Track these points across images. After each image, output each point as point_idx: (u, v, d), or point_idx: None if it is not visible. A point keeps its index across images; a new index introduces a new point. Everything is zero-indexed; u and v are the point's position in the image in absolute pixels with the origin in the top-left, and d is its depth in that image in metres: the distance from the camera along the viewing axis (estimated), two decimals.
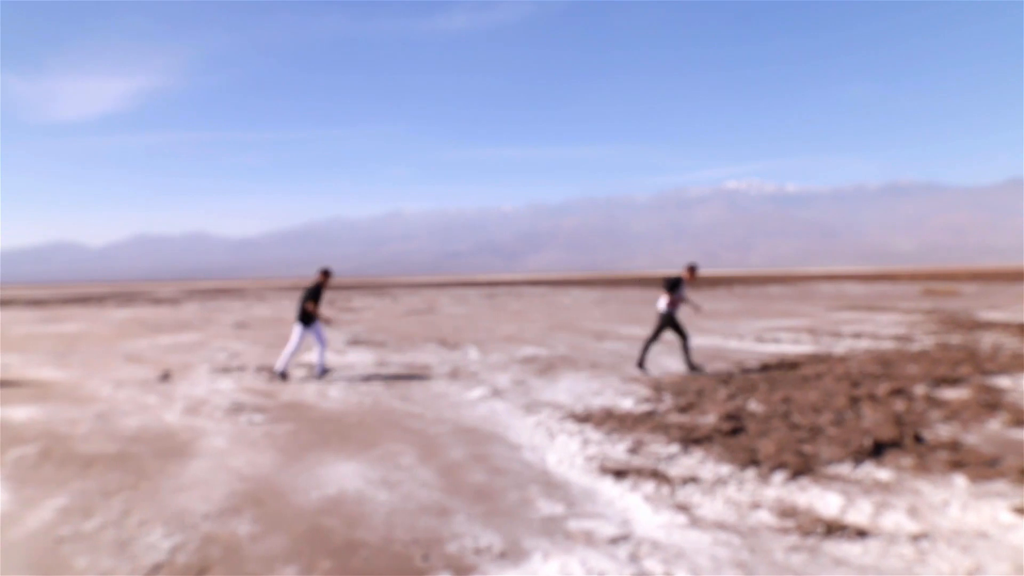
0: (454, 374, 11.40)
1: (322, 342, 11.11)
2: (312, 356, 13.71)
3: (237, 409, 8.74)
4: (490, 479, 5.73)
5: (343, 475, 5.89)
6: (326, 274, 11.36)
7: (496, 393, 9.64)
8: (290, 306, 36.16)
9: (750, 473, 5.66)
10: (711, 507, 4.95)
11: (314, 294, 10.95)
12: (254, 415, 8.39)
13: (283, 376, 10.92)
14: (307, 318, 10.90)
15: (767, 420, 7.47)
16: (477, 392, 9.70)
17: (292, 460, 6.39)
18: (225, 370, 12.17)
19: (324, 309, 32.21)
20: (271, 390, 10.18)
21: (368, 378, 11.13)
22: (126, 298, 54.90)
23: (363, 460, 6.35)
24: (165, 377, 11.45)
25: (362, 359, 13.47)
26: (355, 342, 16.83)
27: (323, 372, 11.21)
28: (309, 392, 9.98)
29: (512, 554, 4.24)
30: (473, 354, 13.99)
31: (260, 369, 12.17)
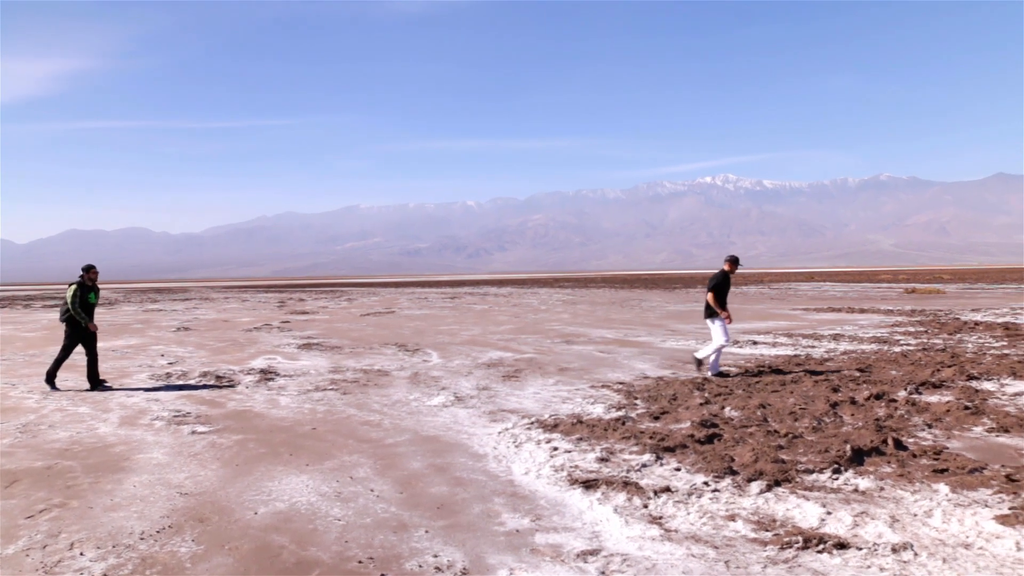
0: (414, 380, 11.35)
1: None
2: (257, 363, 13.56)
3: (179, 419, 8.60)
4: (452, 491, 5.71)
5: (294, 489, 5.82)
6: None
7: (459, 400, 9.62)
8: (238, 308, 35.72)
9: (726, 482, 5.72)
10: (685, 519, 4.98)
11: None
12: (197, 425, 8.26)
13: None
14: None
15: (743, 427, 7.55)
16: (438, 399, 9.67)
17: (239, 473, 6.30)
18: (166, 377, 11.97)
19: (275, 311, 31.86)
20: (216, 398, 10.03)
21: (322, 385, 11.03)
22: (55, 299, 53.75)
23: (316, 472, 6.29)
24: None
25: (315, 364, 13.35)
26: (308, 346, 16.69)
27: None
28: (258, 400, 9.86)
29: (475, 571, 4.22)
30: (434, 358, 13.95)
31: (205, 376, 11.99)
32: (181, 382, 11.45)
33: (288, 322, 25.01)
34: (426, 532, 4.83)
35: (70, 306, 10.87)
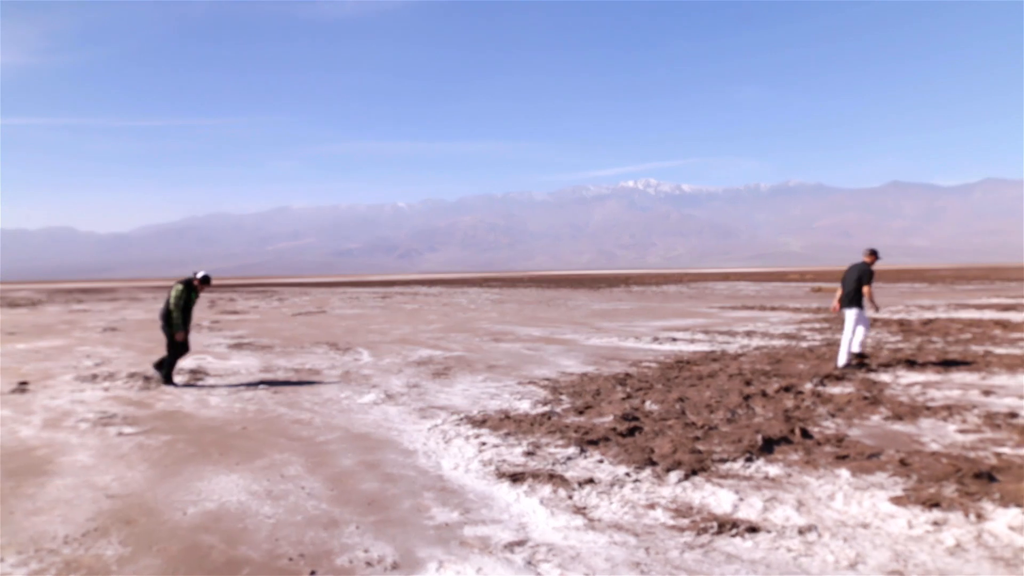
0: (345, 378, 11.20)
1: None
2: (187, 363, 13.19)
3: (105, 421, 8.28)
4: (382, 487, 5.66)
5: (224, 488, 5.68)
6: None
7: (389, 397, 9.54)
8: None
9: (646, 473, 5.83)
10: (608, 508, 5.06)
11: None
12: (124, 427, 7.97)
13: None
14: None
15: (663, 419, 7.71)
16: (369, 397, 9.57)
17: (167, 474, 6.11)
18: (92, 378, 11.50)
19: (205, 311, 31.01)
20: (144, 399, 9.70)
21: (252, 384, 10.78)
22: None
23: (246, 471, 6.15)
24: (21, 388, 10.70)
25: (246, 364, 13.04)
26: (238, 346, 16.30)
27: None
28: (187, 400, 9.57)
29: (405, 565, 4.20)
30: (365, 357, 13.80)
31: (133, 376, 11.58)
32: (108, 383, 11.03)
33: (218, 322, 24.36)
34: (357, 528, 4.78)
35: (172, 306, 10.46)
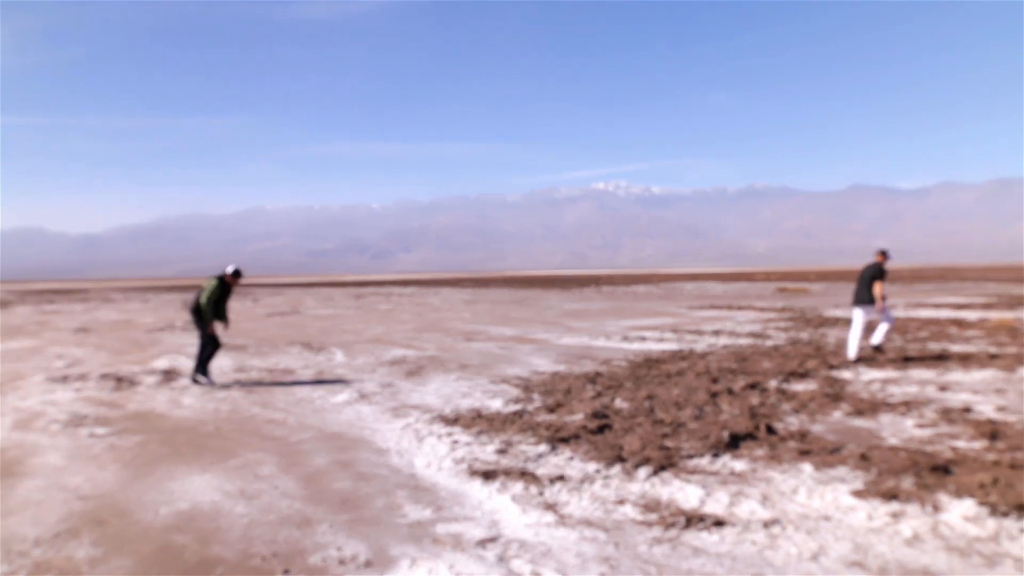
0: (319, 378, 11.12)
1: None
2: (160, 363, 13.02)
3: (76, 422, 8.14)
4: (356, 486, 5.63)
5: (197, 488, 5.61)
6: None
7: (363, 397, 9.49)
8: (141, 308, 34.10)
9: (616, 469, 5.86)
10: (578, 505, 5.08)
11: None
12: (96, 427, 7.85)
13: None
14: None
15: (632, 417, 7.76)
16: (343, 396, 9.51)
17: (139, 475, 6.02)
18: (63, 379, 11.30)
19: (179, 312, 30.61)
20: (117, 400, 9.55)
21: (226, 384, 10.66)
22: None
23: (219, 471, 6.08)
24: None
25: (219, 364, 12.87)
26: None
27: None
28: (160, 401, 9.44)
29: (378, 563, 4.18)
30: (339, 357, 13.71)
31: (105, 377, 11.39)
32: (79, 384, 10.84)
33: (192, 322, 24.04)
34: (330, 526, 4.75)
35: (203, 300, 10.36)
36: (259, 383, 10.77)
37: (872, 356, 11.95)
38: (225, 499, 5.34)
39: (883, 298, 11.38)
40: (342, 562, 4.20)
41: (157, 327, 22.44)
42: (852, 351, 11.67)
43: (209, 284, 10.54)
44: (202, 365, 10.59)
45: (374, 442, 7.06)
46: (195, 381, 10.59)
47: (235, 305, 36.80)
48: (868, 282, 11.58)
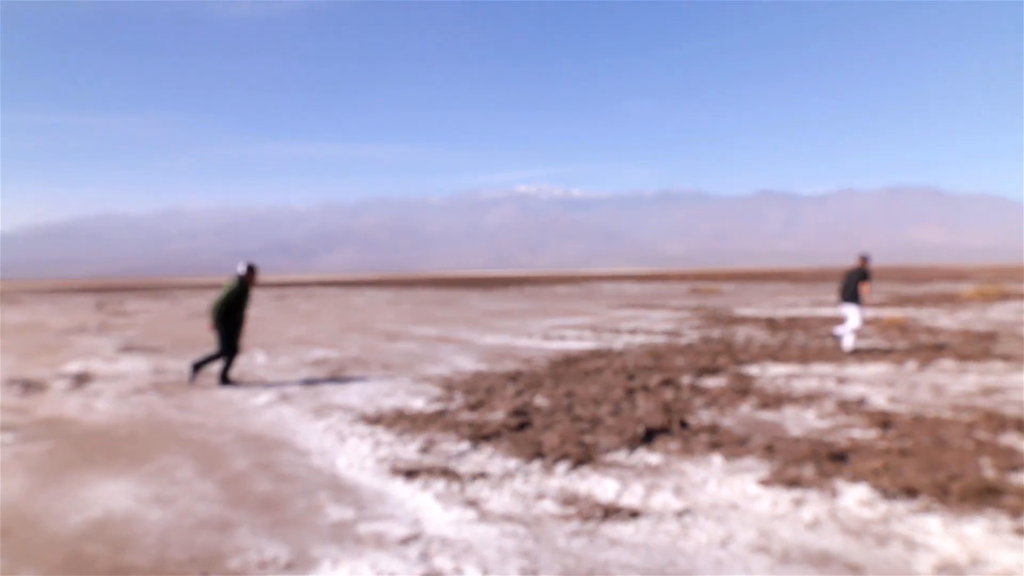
0: (239, 380, 10.79)
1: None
2: (71, 367, 12.40)
3: None
4: (276, 487, 5.49)
5: (110, 495, 5.36)
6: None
7: (284, 398, 9.26)
8: (51, 310, 32.39)
9: (536, 465, 5.90)
10: (499, 501, 5.09)
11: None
12: (2, 434, 7.41)
13: None
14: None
15: (552, 414, 7.82)
16: (264, 398, 9.26)
17: (48, 483, 5.71)
18: None
19: (92, 313, 29.25)
20: (24, 405, 9.03)
21: (142, 388, 10.22)
22: None
23: (134, 477, 5.83)
24: None
25: (135, 367, 12.36)
26: (128, 348, 15.43)
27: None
28: (71, 406, 8.98)
29: (299, 564, 4.09)
30: (260, 358, 13.35)
31: (11, 382, 10.76)
32: None
33: (107, 324, 23.01)
34: (250, 529, 4.62)
35: (219, 300, 9.91)
36: (177, 386, 10.38)
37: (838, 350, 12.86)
38: (140, 505, 5.12)
39: (869, 294, 12.55)
40: (262, 565, 4.08)
41: (69, 329, 21.35)
42: (848, 343, 12.59)
43: (228, 284, 10.13)
44: (224, 371, 10.25)
45: (296, 443, 6.90)
46: (227, 382, 10.28)
47: (153, 306, 35.40)
48: (854, 283, 12.56)
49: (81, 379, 11.04)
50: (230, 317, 10.10)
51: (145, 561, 4.15)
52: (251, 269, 10.39)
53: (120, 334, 19.32)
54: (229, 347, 10.14)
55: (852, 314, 12.55)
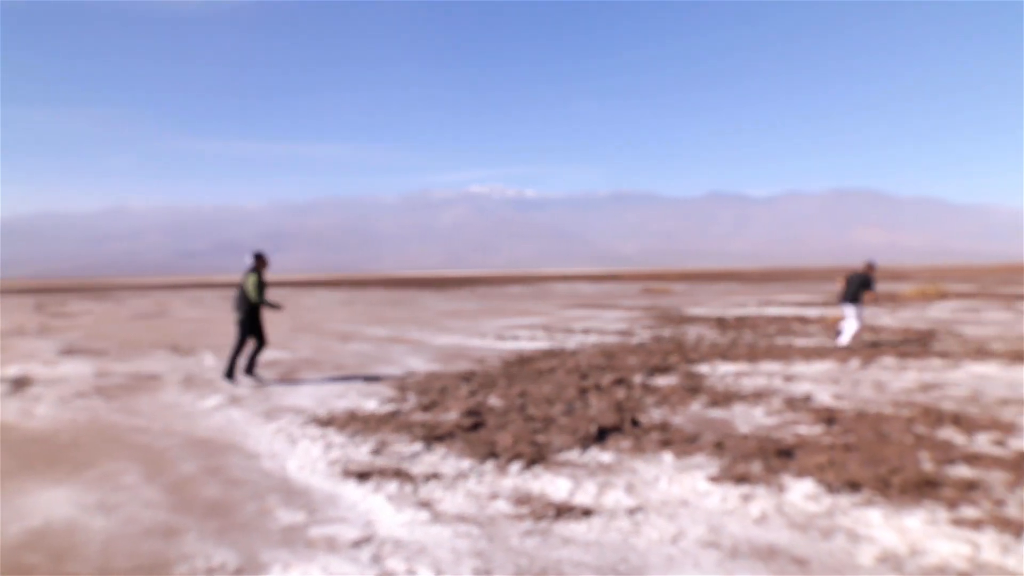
0: (187, 382, 10.56)
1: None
2: (9, 371, 11.96)
3: None
4: (225, 492, 5.38)
5: (50, 503, 5.19)
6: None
7: (234, 401, 9.08)
8: None
9: (489, 465, 5.89)
10: (452, 501, 5.07)
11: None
12: None
13: None
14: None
15: (505, 414, 7.82)
16: (213, 400, 9.07)
17: None
18: None
19: (31, 315, 28.25)
20: None
21: (85, 392, 9.91)
22: None
23: (76, 484, 5.65)
24: None
25: (78, 370, 11.98)
26: (70, 351, 14.95)
27: None
28: (9, 411, 8.66)
29: (249, 569, 4.02)
30: (209, 360, 13.07)
31: None
32: None
33: (47, 326, 22.26)
34: (198, 535, 4.51)
35: (257, 294, 9.92)
36: (122, 389, 10.09)
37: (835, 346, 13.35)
38: (82, 513, 4.97)
39: (872, 300, 13.50)
40: (210, 571, 4.00)
41: (6, 332, 20.60)
42: (846, 338, 13.34)
43: (250, 278, 10.15)
44: (248, 362, 10.43)
45: (245, 446, 6.77)
46: (254, 378, 10.45)
47: (96, 307, 34.39)
48: (857, 286, 13.18)
49: (20, 383, 10.66)
50: (255, 307, 10.27)
51: (88, 571, 4.02)
52: (259, 257, 10.40)
53: (62, 336, 18.72)
54: (261, 335, 10.39)
55: (852, 315, 13.24)
